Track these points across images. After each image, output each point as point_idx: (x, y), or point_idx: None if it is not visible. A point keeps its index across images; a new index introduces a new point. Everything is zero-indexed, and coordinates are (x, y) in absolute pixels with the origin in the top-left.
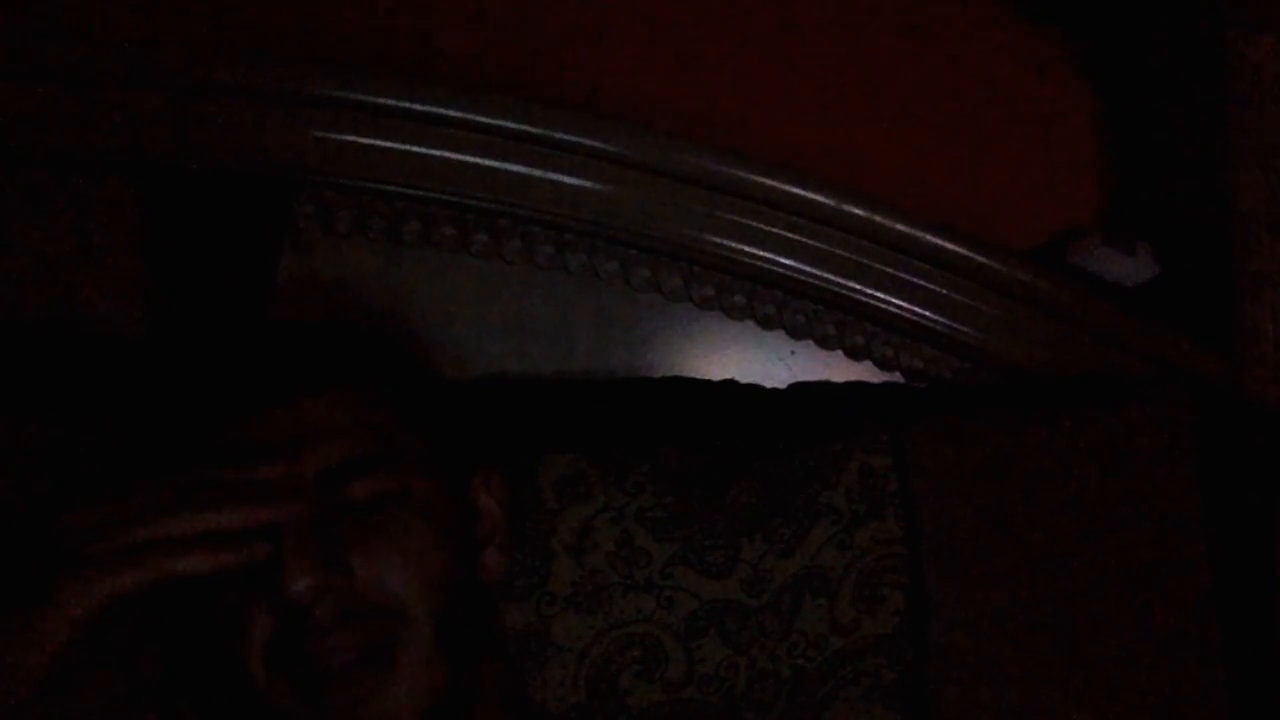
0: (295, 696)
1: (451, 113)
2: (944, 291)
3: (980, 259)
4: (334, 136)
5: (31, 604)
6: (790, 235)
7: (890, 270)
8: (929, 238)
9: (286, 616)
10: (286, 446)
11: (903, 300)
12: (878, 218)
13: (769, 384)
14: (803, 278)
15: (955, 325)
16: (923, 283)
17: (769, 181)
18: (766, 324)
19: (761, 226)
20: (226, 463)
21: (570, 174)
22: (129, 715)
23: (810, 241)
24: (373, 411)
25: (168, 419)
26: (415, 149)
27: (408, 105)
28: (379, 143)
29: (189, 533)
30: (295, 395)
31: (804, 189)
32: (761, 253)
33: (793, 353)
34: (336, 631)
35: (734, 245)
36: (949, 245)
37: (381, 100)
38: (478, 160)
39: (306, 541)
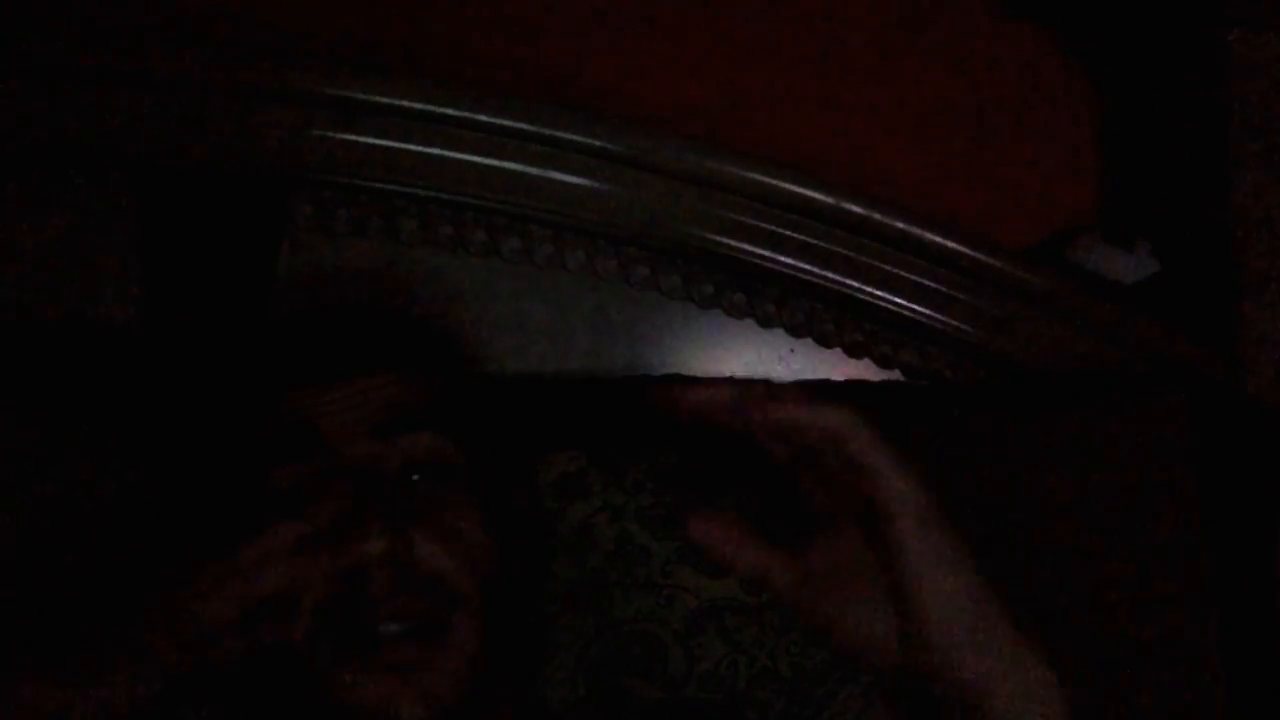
0: (335, 660)
1: (449, 111)
2: (943, 289)
3: (980, 257)
4: (332, 135)
5: (87, 679)
6: (789, 233)
7: (890, 268)
8: (928, 235)
9: (344, 581)
10: (368, 414)
11: (902, 298)
12: (877, 215)
13: None
14: (802, 276)
15: (955, 323)
16: (922, 280)
17: (768, 179)
18: (766, 322)
19: (760, 224)
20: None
21: (568, 172)
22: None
23: (809, 239)
24: (433, 394)
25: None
26: (413, 148)
27: (406, 104)
28: (377, 141)
29: (238, 610)
30: (370, 368)
31: (803, 187)
32: (760, 251)
33: (792, 351)
34: (393, 599)
35: (733, 243)
36: (948, 243)
37: (379, 99)
38: (476, 159)
39: (378, 506)
